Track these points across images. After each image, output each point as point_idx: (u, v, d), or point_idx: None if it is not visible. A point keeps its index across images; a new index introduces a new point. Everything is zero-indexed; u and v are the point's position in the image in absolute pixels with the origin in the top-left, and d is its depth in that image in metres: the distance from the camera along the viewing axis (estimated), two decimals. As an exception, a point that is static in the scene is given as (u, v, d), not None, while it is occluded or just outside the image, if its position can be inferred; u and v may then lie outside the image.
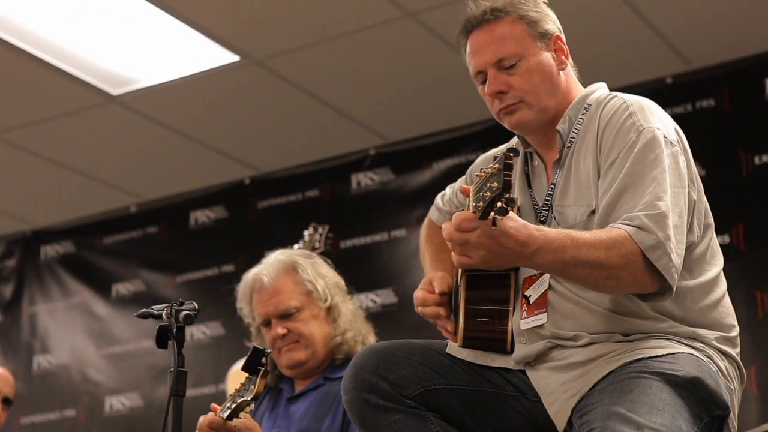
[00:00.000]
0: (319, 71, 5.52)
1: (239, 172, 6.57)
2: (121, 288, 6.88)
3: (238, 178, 6.64)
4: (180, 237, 6.80)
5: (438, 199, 2.99)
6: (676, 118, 2.63)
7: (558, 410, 2.44)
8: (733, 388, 2.49)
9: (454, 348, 2.62)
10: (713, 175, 5.08)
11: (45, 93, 5.65)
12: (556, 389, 2.46)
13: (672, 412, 2.27)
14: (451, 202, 2.92)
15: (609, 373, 2.38)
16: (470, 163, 2.99)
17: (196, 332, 6.38)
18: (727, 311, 2.55)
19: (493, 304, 2.59)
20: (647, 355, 2.38)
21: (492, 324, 2.58)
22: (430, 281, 2.73)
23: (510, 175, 2.08)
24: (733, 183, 5.26)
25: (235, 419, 3.09)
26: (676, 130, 2.55)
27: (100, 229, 7.04)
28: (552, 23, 2.67)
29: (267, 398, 3.58)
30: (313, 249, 4.78)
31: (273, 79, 5.56)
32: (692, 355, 2.41)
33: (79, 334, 6.91)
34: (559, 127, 2.60)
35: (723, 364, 2.47)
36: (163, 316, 2.61)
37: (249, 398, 3.03)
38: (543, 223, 2.54)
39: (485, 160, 2.85)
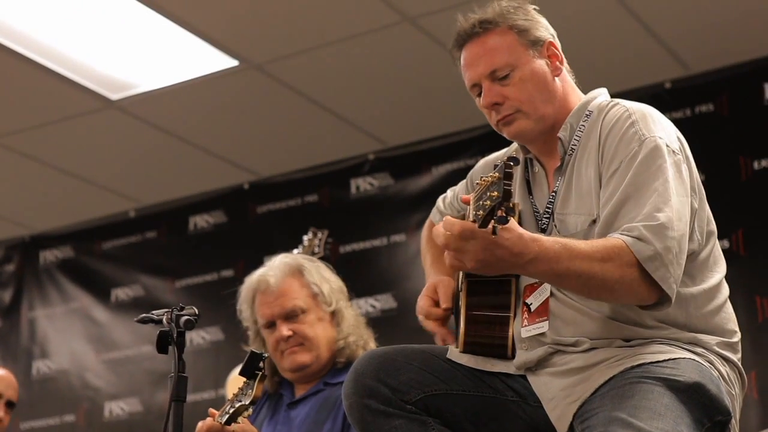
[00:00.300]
0: (317, 76, 5.52)
1: (238, 177, 6.57)
2: (121, 293, 6.87)
3: (237, 183, 6.64)
4: (179, 242, 6.80)
5: (440, 201, 2.99)
6: (675, 123, 2.63)
7: (559, 416, 2.44)
8: (734, 393, 2.49)
9: (454, 353, 2.61)
10: (712, 180, 5.07)
11: (44, 98, 5.65)
12: (557, 394, 2.46)
13: (674, 418, 2.27)
14: (452, 206, 2.93)
15: (610, 379, 2.38)
16: (469, 167, 2.99)
17: (195, 337, 6.37)
18: (729, 317, 2.55)
19: (494, 310, 2.59)
20: (648, 361, 2.38)
21: (493, 330, 2.59)
22: (435, 288, 2.73)
23: (510, 185, 2.08)
24: (733, 188, 5.26)
25: (233, 424, 3.09)
26: (678, 138, 2.55)
27: (99, 234, 7.03)
28: (543, 29, 2.66)
29: (267, 404, 3.57)
30: (313, 254, 4.77)
31: (272, 84, 5.56)
32: (693, 360, 2.41)
33: (78, 339, 6.90)
34: (560, 134, 2.60)
35: (724, 369, 2.47)
36: (164, 321, 2.61)
37: (247, 403, 3.03)
38: (544, 231, 2.55)
39: (486, 165, 2.85)
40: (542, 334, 2.50)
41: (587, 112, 2.62)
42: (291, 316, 3.46)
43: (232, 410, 3.05)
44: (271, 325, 3.48)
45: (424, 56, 5.30)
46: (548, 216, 2.57)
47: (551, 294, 2.51)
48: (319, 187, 6.42)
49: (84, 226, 7.06)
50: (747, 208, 5.22)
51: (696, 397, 2.34)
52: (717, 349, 2.48)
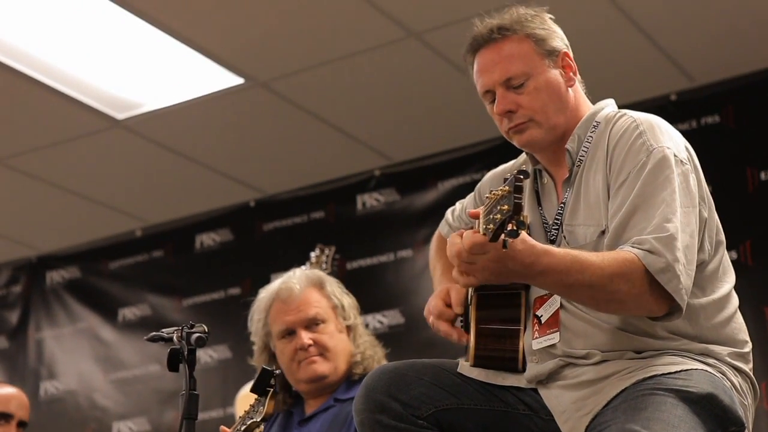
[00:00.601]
0: (323, 93, 5.53)
1: (244, 194, 6.57)
2: (128, 312, 6.87)
3: (243, 201, 6.64)
4: (186, 260, 6.79)
5: (448, 214, 2.99)
6: (680, 133, 2.63)
7: (571, 428, 2.43)
8: (747, 403, 2.48)
9: (465, 367, 2.61)
10: (719, 191, 5.01)
11: (49, 118, 5.66)
12: (569, 407, 2.45)
13: (687, 429, 2.27)
14: (461, 219, 2.92)
15: (622, 391, 2.37)
16: (476, 182, 2.99)
17: (203, 356, 6.36)
18: (740, 327, 2.55)
19: (504, 323, 2.59)
20: (660, 372, 2.37)
21: (503, 343, 2.59)
22: (447, 291, 2.73)
23: (520, 198, 2.08)
24: (740, 199, 5.25)
25: (244, 441, 3.08)
26: (686, 148, 2.55)
27: (105, 253, 7.03)
28: (559, 40, 2.66)
29: (277, 423, 3.56)
30: (320, 270, 4.77)
31: (277, 102, 5.56)
32: (706, 371, 2.41)
33: (85, 359, 6.90)
34: (568, 146, 2.60)
35: (736, 379, 2.47)
36: (174, 338, 2.60)
37: (258, 419, 3.02)
38: (553, 242, 2.54)
39: (494, 177, 2.85)
40: (553, 347, 2.50)
41: (595, 123, 2.62)
42: (312, 324, 3.48)
43: (243, 427, 3.05)
44: (290, 333, 3.48)
45: (429, 72, 5.30)
46: (557, 227, 2.57)
47: (561, 306, 2.51)
48: (326, 204, 6.42)
49: (90, 246, 7.06)
50: (755, 219, 5.21)
51: (709, 408, 2.34)
52: (728, 359, 2.48)
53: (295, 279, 3.54)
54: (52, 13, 4.88)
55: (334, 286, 3.58)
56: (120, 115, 5.67)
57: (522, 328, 2.57)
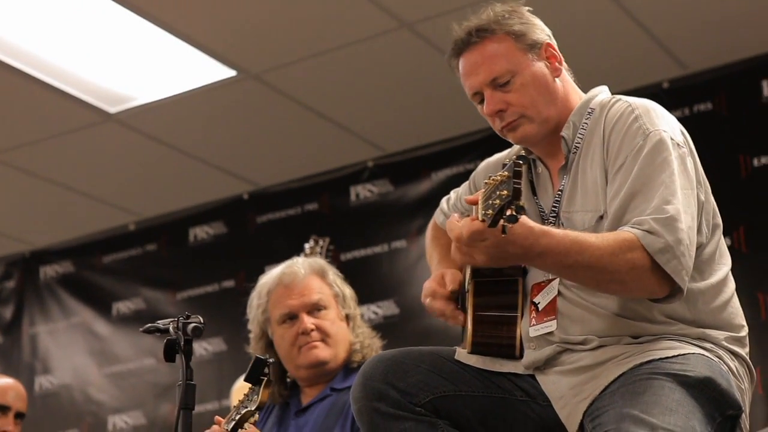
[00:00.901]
0: (315, 84, 5.53)
1: (238, 187, 6.57)
2: (122, 306, 6.86)
3: (236, 194, 6.63)
4: (180, 254, 6.79)
5: (443, 203, 2.99)
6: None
7: (569, 414, 2.44)
8: (743, 387, 2.49)
9: (462, 354, 2.61)
10: (712, 178, 4.97)
11: (42, 112, 5.65)
12: (567, 393, 2.46)
13: (685, 413, 2.27)
14: (456, 208, 2.92)
15: (620, 376, 2.38)
16: (469, 172, 2.99)
17: (198, 348, 6.35)
18: (736, 311, 2.55)
19: (501, 310, 2.60)
20: (658, 357, 2.38)
21: (500, 330, 2.59)
22: (442, 276, 2.74)
23: (519, 183, 2.08)
24: (733, 186, 5.26)
25: (239, 430, 3.08)
26: (681, 131, 2.56)
27: (99, 248, 7.03)
28: (540, 32, 2.66)
29: (273, 414, 3.56)
30: (316, 261, 4.77)
31: (270, 93, 5.56)
32: (703, 355, 2.42)
33: (80, 353, 6.89)
34: (563, 133, 2.60)
35: (733, 364, 2.47)
36: (170, 329, 2.61)
37: (253, 408, 3.02)
38: None
39: (489, 166, 2.85)
40: (550, 333, 2.50)
41: (589, 110, 2.62)
42: (314, 310, 3.48)
43: (238, 416, 3.05)
44: (291, 318, 3.48)
45: (421, 62, 5.30)
46: (554, 215, 2.57)
47: (559, 293, 2.51)
48: (319, 195, 6.42)
49: (84, 241, 7.05)
50: (748, 206, 5.22)
51: (707, 392, 2.35)
52: (725, 343, 2.48)
53: (298, 264, 3.55)
54: (43, 7, 4.87)
55: (335, 275, 3.60)
56: (112, 109, 5.66)
57: (519, 314, 2.58)
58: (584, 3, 4.89)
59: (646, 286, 2.35)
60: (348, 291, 3.60)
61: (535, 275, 2.56)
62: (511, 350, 2.58)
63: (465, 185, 2.95)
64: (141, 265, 6.89)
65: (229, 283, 6.53)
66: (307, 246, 5.00)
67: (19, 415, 4.45)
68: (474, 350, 2.59)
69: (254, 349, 3.55)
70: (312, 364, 3.45)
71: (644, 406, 2.26)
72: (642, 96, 2.65)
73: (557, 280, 2.51)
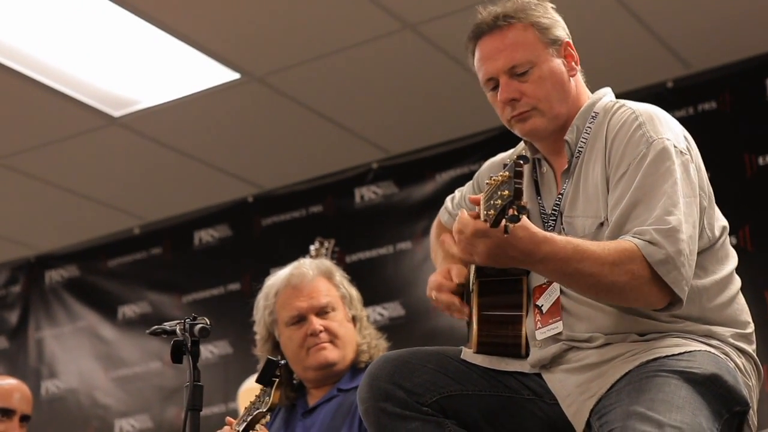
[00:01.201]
0: (319, 86, 5.53)
1: (242, 190, 6.57)
2: (128, 310, 6.87)
3: (241, 197, 6.64)
4: (185, 257, 6.80)
5: (448, 201, 2.99)
6: (678, 122, 2.62)
7: (576, 412, 2.44)
8: (751, 384, 2.49)
9: (468, 354, 2.62)
10: (718, 177, 4.96)
11: (46, 117, 5.65)
12: (573, 391, 2.45)
13: (692, 410, 2.27)
14: (461, 206, 2.92)
15: (626, 373, 2.38)
16: (473, 173, 2.99)
17: (204, 352, 6.28)
18: (742, 308, 2.55)
19: (506, 309, 2.61)
20: (664, 354, 2.38)
21: (506, 329, 2.60)
22: (448, 270, 2.73)
23: (521, 183, 2.08)
24: (738, 185, 5.26)
25: (251, 431, 3.08)
26: (685, 138, 2.55)
27: (104, 252, 7.03)
28: (562, 29, 2.66)
29: (280, 416, 3.56)
30: (322, 263, 4.77)
31: (274, 96, 5.56)
32: (709, 352, 2.41)
33: (86, 357, 6.90)
34: (567, 137, 2.59)
35: (740, 360, 2.47)
36: (177, 331, 2.61)
37: (264, 410, 3.02)
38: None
39: (492, 165, 2.85)
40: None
41: (593, 114, 2.61)
42: (323, 312, 3.49)
43: (249, 418, 3.04)
44: (300, 320, 3.48)
45: (425, 63, 5.30)
46: (555, 218, 2.57)
47: (562, 292, 2.51)
48: (324, 198, 6.42)
49: (89, 245, 7.06)
50: (753, 204, 5.21)
51: (713, 389, 2.34)
52: (732, 340, 2.48)
53: (306, 266, 3.56)
54: (47, 11, 4.87)
55: (342, 277, 3.61)
56: (116, 113, 5.66)
57: (524, 313, 2.59)
58: (588, 3, 4.89)
59: (645, 297, 2.35)
60: (354, 292, 3.61)
61: (536, 277, 2.57)
62: (516, 349, 2.58)
63: (469, 184, 2.96)
64: (146, 268, 6.90)
65: (234, 286, 6.54)
66: (312, 248, 5.00)
67: (24, 418, 4.39)
68: (480, 350, 2.59)
69: (260, 350, 3.55)
70: (321, 366, 3.45)
71: (651, 403, 2.26)
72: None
73: None
